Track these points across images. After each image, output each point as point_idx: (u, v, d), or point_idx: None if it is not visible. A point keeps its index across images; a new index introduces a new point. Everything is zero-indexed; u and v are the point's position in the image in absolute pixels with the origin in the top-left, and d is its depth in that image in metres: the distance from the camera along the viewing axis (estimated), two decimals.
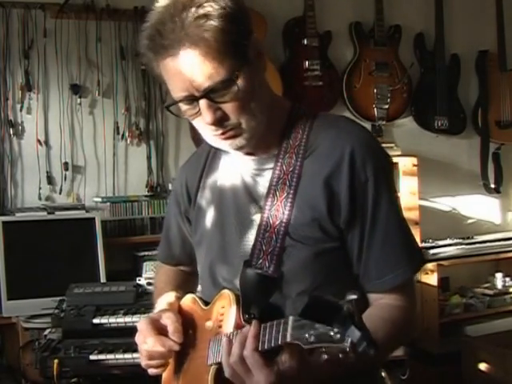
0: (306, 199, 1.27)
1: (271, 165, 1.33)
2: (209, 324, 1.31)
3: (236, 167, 1.38)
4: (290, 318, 1.02)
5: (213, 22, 1.18)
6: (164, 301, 1.46)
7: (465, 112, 4.21)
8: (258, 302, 1.25)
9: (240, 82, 1.22)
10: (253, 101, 1.25)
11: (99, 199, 3.35)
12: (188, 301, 1.43)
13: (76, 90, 3.37)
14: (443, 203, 4.25)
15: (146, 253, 3.22)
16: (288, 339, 1.01)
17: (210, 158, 1.45)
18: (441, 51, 4.11)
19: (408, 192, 3.65)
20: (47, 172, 3.34)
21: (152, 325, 1.34)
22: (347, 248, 1.29)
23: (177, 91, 1.24)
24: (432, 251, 3.82)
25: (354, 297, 0.99)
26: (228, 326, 1.24)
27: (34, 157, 3.32)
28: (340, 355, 0.95)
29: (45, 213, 3.12)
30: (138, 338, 1.35)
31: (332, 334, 0.95)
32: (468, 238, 4.06)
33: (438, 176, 4.14)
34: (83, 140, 3.43)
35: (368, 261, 1.28)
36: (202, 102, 1.22)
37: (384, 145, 4.10)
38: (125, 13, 3.43)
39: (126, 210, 3.32)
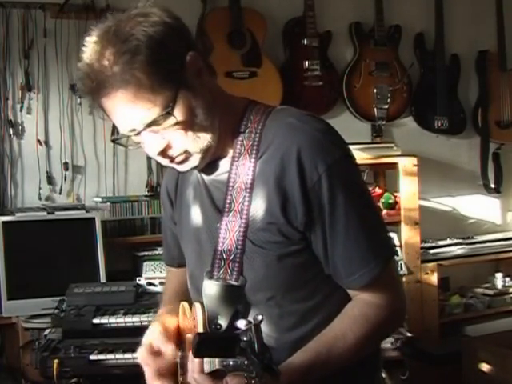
0: (261, 203, 1.25)
1: (227, 168, 1.30)
2: (189, 336, 1.32)
3: (201, 173, 1.36)
4: None
5: (141, 57, 1.15)
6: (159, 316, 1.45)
7: (465, 112, 4.21)
8: (224, 313, 1.25)
9: (177, 111, 1.20)
10: (196, 124, 1.23)
11: (99, 199, 3.35)
12: (180, 311, 1.43)
13: (76, 89, 3.37)
14: (443, 203, 4.25)
15: (146, 253, 3.22)
16: (216, 366, 1.11)
17: None
18: (441, 51, 4.11)
19: (408, 192, 3.65)
20: (47, 172, 3.34)
21: (148, 353, 1.34)
22: (313, 249, 1.27)
23: (119, 126, 1.24)
24: (432, 251, 3.81)
25: (253, 322, 1.04)
26: None
27: (34, 157, 3.32)
28: (252, 381, 1.03)
29: (45, 213, 3.12)
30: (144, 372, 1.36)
31: (246, 363, 1.03)
32: (468, 237, 4.06)
33: (438, 176, 4.14)
34: (83, 140, 3.43)
35: (334, 260, 1.25)
36: (145, 135, 1.22)
37: (384, 145, 4.12)
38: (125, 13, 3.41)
39: (126, 209, 3.32)
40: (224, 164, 1.31)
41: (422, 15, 4.15)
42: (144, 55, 1.15)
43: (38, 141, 3.32)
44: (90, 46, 1.20)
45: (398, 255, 3.49)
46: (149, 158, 3.53)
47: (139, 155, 3.53)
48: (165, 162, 1.28)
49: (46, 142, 3.35)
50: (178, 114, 1.20)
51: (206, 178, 1.35)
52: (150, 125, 1.20)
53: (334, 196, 1.22)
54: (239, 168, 1.28)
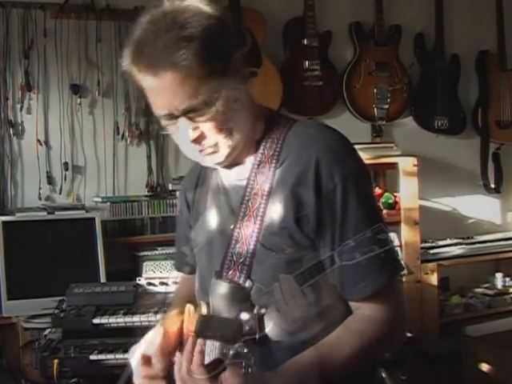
0: (276, 209, 1.27)
1: (247, 175, 1.34)
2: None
3: (221, 177, 1.41)
4: None
5: (195, 45, 1.19)
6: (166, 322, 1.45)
7: (465, 112, 4.21)
8: (229, 313, 1.25)
9: (218, 103, 1.23)
10: (231, 120, 1.27)
11: (99, 199, 3.35)
12: (186, 313, 1.43)
13: (76, 90, 3.37)
14: (443, 203, 4.25)
15: (146, 253, 3.22)
16: (216, 355, 1.13)
17: (204, 167, 1.47)
18: (441, 51, 4.11)
19: (408, 192, 3.65)
20: (47, 172, 3.34)
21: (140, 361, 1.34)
22: (321, 256, 1.28)
23: (157, 108, 1.27)
24: (432, 251, 3.82)
25: (255, 312, 1.07)
26: None
27: (34, 157, 3.32)
28: (249, 369, 1.05)
29: (45, 213, 3.12)
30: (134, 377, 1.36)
31: (245, 351, 1.05)
32: (468, 238, 4.06)
33: (438, 176, 4.14)
34: (83, 140, 3.43)
35: (340, 270, 1.27)
36: (181, 121, 1.25)
37: (384, 145, 4.12)
38: (125, 13, 3.42)
39: (126, 209, 3.32)
40: (244, 170, 1.35)
41: (422, 15, 4.16)
42: (199, 44, 1.19)
43: (38, 141, 3.32)
44: (146, 26, 1.24)
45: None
46: (149, 158, 3.53)
47: (139, 155, 3.53)
48: (194, 151, 1.31)
49: (46, 142, 3.35)
50: (219, 106, 1.24)
51: (225, 181, 1.39)
52: (189, 111, 1.23)
53: (346, 206, 1.25)
54: (258, 175, 1.31)
